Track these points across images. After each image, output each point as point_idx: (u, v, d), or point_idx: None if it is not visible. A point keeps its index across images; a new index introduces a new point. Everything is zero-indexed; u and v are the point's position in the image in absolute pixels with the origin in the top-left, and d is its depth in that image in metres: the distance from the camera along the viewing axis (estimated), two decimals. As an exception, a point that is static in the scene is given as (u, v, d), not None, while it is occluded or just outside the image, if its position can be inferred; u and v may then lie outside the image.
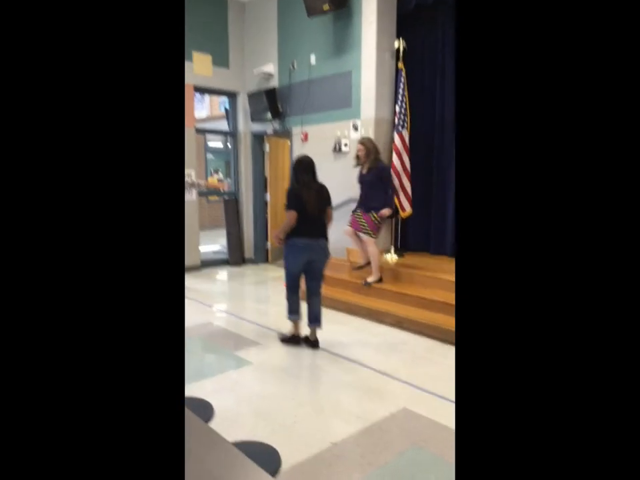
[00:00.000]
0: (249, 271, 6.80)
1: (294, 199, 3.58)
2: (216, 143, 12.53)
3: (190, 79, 6.34)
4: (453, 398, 2.79)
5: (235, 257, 7.01)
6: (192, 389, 2.92)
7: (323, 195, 3.67)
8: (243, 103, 6.92)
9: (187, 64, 6.28)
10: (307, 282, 3.71)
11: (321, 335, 3.86)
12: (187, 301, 4.97)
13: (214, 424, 2.47)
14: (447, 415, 2.60)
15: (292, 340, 3.77)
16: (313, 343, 3.69)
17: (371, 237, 4.61)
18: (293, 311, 3.75)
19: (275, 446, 2.29)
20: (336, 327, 4.21)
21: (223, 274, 6.57)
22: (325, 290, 4.94)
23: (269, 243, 7.17)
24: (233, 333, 4.01)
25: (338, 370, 3.26)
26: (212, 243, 8.66)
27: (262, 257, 7.19)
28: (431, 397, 2.84)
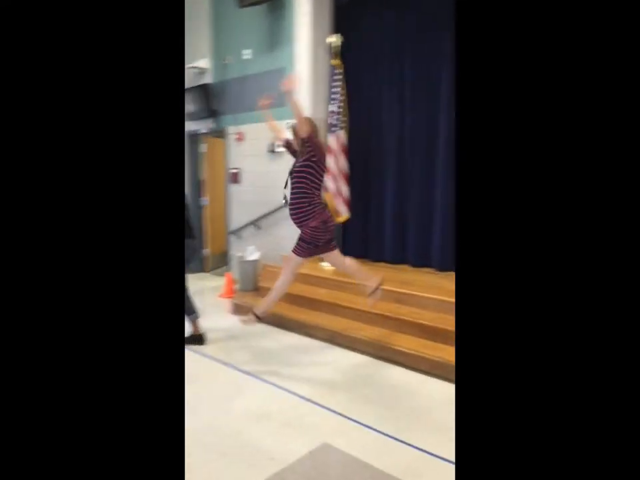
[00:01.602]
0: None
1: None
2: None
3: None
4: (377, 426, 2.53)
5: (169, 265, 6.53)
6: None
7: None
8: (175, 100, 6.46)
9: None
10: None
11: (241, 352, 3.54)
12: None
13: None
14: (369, 448, 2.32)
15: (194, 340, 3.79)
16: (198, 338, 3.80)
17: None
18: (190, 311, 3.77)
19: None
20: (262, 342, 3.88)
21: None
22: (258, 303, 4.61)
23: (207, 251, 6.74)
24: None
25: (254, 397, 2.93)
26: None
27: (199, 265, 6.75)
28: (355, 427, 2.56)
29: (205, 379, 3.20)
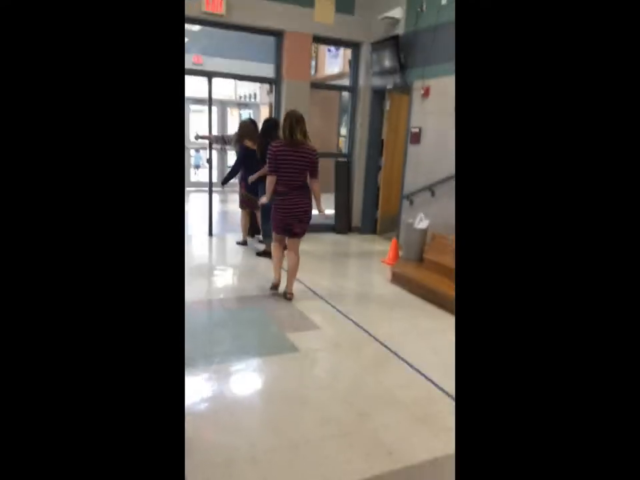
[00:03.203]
0: (354, 240, 6.31)
1: None
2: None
3: (308, 28, 5.87)
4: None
5: (341, 224, 6.56)
6: (199, 373, 2.62)
7: None
8: (365, 54, 6.25)
9: (308, 11, 5.80)
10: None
11: (392, 326, 3.27)
12: (272, 267, 4.72)
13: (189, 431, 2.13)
14: None
15: (265, 254, 4.99)
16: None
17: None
18: (268, 235, 4.70)
19: None
20: (419, 320, 3.53)
21: (324, 241, 6.19)
22: (419, 274, 4.26)
23: (378, 213, 6.56)
24: (298, 310, 3.62)
25: (395, 378, 2.65)
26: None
27: (370, 226, 6.63)
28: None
29: (349, 347, 3.05)
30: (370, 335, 3.21)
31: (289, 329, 3.26)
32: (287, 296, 3.81)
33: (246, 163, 5.05)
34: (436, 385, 2.58)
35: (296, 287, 3.99)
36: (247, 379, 2.61)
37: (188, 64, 8.61)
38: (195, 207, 8.66)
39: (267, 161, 3.58)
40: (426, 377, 2.66)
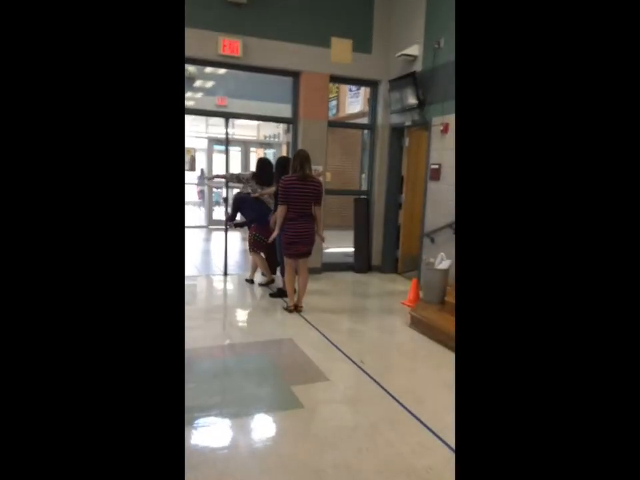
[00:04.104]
0: (373, 280, 6.07)
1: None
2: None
3: (325, 68, 5.87)
4: None
5: (361, 263, 6.34)
6: (187, 432, 2.40)
7: None
8: (383, 92, 6.19)
9: (324, 51, 5.82)
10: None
11: (412, 382, 2.99)
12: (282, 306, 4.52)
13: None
14: None
15: (280, 293, 4.81)
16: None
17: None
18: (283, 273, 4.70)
19: None
20: (441, 373, 3.23)
21: (343, 281, 5.97)
22: (440, 319, 3.99)
23: (399, 251, 6.32)
24: (307, 358, 3.38)
25: (409, 441, 2.36)
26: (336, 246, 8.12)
27: (391, 265, 6.38)
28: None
29: (359, 403, 2.79)
30: (384, 388, 2.94)
31: (296, 380, 3.02)
32: (298, 309, 4.36)
33: (238, 205, 5.28)
34: (455, 450, 2.28)
35: (309, 334, 3.77)
36: (241, 441, 2.37)
37: (211, 106, 8.79)
38: (216, 245, 8.63)
39: (279, 193, 4.13)
40: (443, 441, 2.36)
